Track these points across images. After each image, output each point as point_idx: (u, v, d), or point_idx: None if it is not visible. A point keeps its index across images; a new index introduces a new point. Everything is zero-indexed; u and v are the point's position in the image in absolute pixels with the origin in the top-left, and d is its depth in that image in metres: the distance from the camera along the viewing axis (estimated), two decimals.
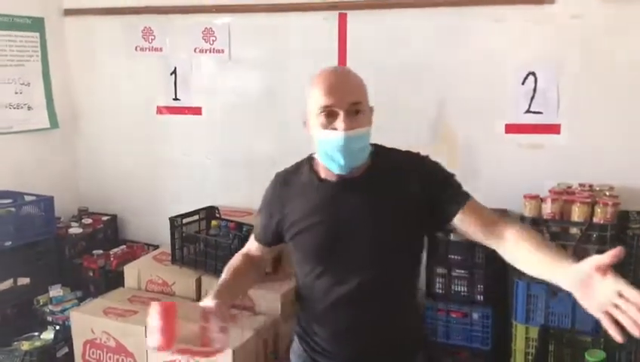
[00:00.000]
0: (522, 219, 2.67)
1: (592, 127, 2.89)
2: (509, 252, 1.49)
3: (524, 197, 2.70)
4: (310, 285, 1.65)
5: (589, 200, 2.59)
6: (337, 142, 1.48)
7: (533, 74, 2.95)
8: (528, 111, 2.99)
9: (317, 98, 1.50)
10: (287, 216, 1.64)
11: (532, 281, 2.64)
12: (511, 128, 3.03)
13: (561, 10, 2.86)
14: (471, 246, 2.76)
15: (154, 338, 1.39)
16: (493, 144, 3.07)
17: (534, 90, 2.96)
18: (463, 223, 1.54)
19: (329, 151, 1.51)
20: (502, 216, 1.57)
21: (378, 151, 1.62)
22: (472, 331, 2.80)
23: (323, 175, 1.61)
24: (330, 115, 1.49)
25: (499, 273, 2.86)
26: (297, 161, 1.71)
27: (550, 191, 2.75)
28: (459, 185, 1.58)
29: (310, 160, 1.67)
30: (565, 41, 2.88)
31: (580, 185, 2.84)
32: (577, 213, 2.57)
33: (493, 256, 2.68)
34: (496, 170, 3.07)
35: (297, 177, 1.67)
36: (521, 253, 1.44)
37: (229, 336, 1.45)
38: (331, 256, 1.59)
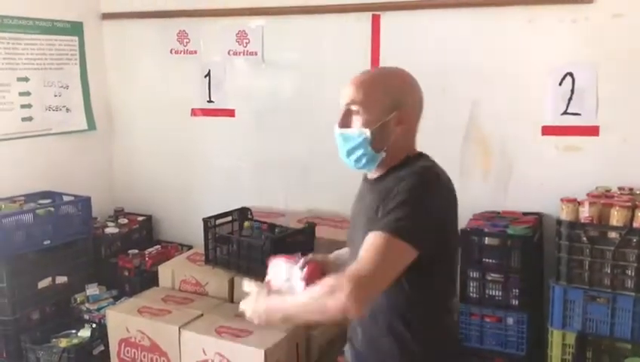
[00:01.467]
0: (559, 222, 2.61)
1: (633, 129, 2.81)
2: None
3: (561, 200, 2.64)
4: None
5: (628, 204, 2.52)
6: (335, 138, 1.60)
7: (571, 74, 2.89)
8: (566, 112, 2.92)
9: None
10: None
11: (569, 286, 2.59)
12: (548, 130, 2.97)
13: (600, 9, 2.79)
14: (506, 250, 2.72)
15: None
16: (529, 146, 3.02)
17: (572, 91, 2.90)
18: None
19: None
20: (354, 267, 1.39)
21: (408, 159, 1.59)
22: (507, 336, 2.75)
23: (368, 174, 1.68)
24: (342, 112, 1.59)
25: (535, 277, 2.81)
26: None
27: (588, 194, 2.69)
28: (395, 218, 1.41)
29: None
30: (605, 41, 2.80)
31: (620, 188, 2.77)
32: (616, 217, 2.51)
33: (529, 260, 2.67)
34: (533, 172, 3.01)
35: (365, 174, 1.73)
36: None
37: None
38: (351, 249, 1.65)
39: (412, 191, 1.45)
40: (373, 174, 1.63)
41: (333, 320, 1.40)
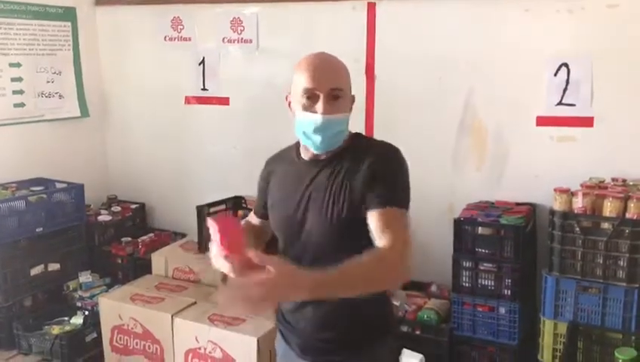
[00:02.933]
0: (552, 213, 2.62)
1: (627, 120, 2.82)
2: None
3: (555, 190, 2.65)
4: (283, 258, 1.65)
5: (621, 195, 2.53)
6: (316, 123, 1.56)
7: (566, 65, 2.89)
8: (560, 103, 2.92)
9: (301, 81, 1.57)
10: (269, 191, 1.77)
11: (562, 276, 2.60)
12: (542, 121, 2.97)
13: None
14: (499, 240, 2.72)
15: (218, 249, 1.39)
16: (523, 136, 3.01)
17: (567, 81, 2.89)
18: (370, 221, 1.54)
19: (307, 131, 1.59)
20: (394, 240, 1.46)
21: (354, 136, 1.67)
22: (499, 326, 2.76)
23: (302, 154, 1.70)
24: (311, 97, 1.56)
25: (527, 267, 2.82)
26: (290, 145, 1.80)
27: (582, 185, 2.69)
28: (396, 189, 1.54)
29: (298, 142, 1.73)
30: (600, 31, 2.80)
31: (613, 179, 2.77)
32: (609, 208, 2.51)
33: (521, 250, 2.68)
34: (527, 163, 3.01)
35: (284, 157, 1.78)
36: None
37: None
38: (293, 230, 1.66)
39: (396, 164, 1.58)
40: (319, 154, 1.63)
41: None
